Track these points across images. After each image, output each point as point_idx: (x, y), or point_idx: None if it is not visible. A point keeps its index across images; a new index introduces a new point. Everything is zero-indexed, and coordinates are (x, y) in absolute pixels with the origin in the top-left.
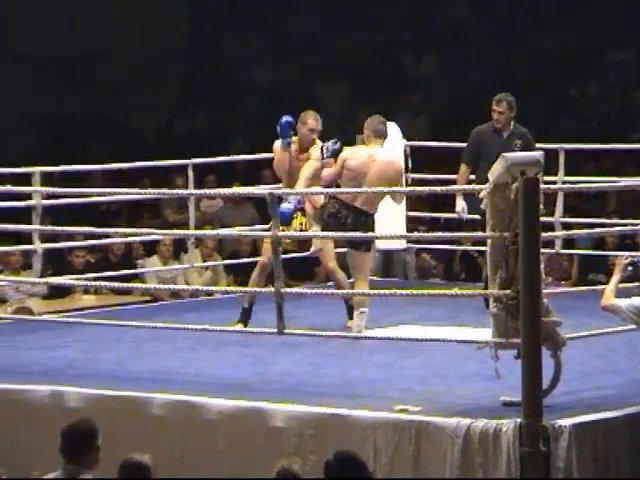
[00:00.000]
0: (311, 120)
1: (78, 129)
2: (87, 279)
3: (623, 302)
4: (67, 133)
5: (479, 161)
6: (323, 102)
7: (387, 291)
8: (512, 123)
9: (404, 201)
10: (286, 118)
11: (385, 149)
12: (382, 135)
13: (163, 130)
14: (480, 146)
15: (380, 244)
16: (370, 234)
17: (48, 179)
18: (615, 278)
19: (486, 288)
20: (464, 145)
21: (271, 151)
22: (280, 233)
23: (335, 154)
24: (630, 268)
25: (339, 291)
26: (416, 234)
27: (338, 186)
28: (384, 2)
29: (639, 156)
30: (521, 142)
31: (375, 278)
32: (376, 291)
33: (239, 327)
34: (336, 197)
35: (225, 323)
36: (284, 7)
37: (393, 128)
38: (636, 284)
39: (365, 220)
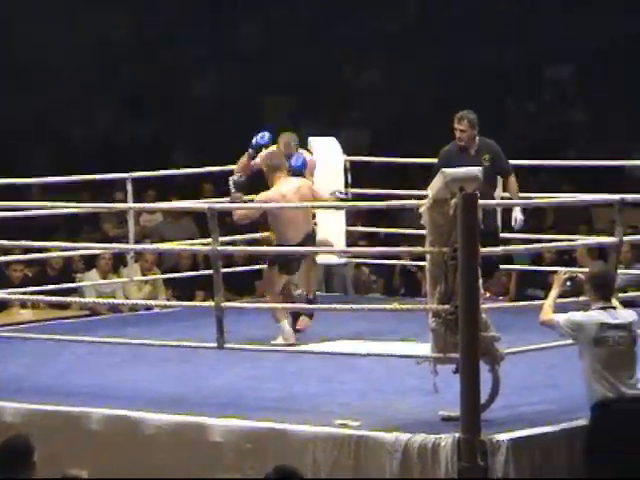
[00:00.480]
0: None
1: (16, 140)
2: (24, 293)
3: (561, 317)
4: (5, 144)
5: None
6: (265, 114)
7: (327, 306)
8: (477, 138)
9: (343, 216)
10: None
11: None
12: (282, 168)
13: (103, 142)
14: (448, 166)
15: (320, 258)
16: (311, 248)
17: None
18: (554, 293)
19: None
20: (404, 160)
21: (212, 165)
22: (219, 248)
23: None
24: (569, 283)
25: (279, 305)
26: (355, 249)
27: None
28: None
29: (576, 173)
30: (490, 155)
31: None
32: (317, 306)
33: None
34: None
35: (165, 337)
36: (227, 18)
37: (333, 143)
38: (574, 299)
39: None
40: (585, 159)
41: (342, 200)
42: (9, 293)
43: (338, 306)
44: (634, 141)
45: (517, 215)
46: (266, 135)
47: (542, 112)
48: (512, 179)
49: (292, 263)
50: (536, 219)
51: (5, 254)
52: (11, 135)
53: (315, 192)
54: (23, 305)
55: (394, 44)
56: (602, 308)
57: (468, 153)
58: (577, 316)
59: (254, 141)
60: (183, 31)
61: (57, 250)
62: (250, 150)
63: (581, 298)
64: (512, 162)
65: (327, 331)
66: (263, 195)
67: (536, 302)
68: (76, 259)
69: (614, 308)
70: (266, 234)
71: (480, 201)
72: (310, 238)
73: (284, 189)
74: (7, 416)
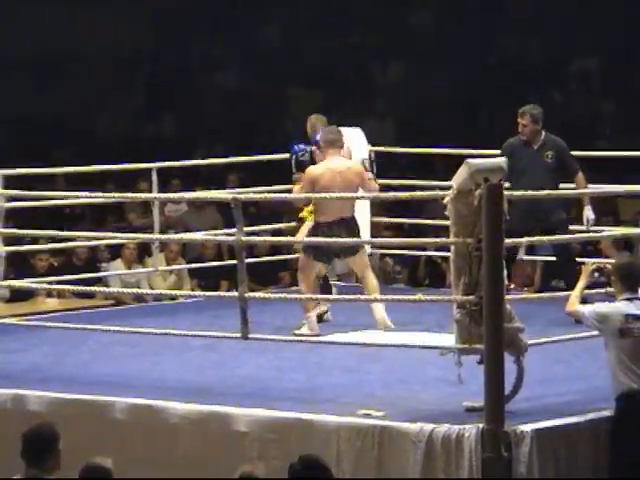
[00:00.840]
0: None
1: (43, 132)
2: (50, 282)
3: (586, 308)
4: (32, 136)
5: (511, 175)
6: (291, 107)
7: (351, 296)
8: (543, 133)
9: (368, 206)
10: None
11: (340, 157)
12: (336, 145)
13: (128, 134)
14: (511, 160)
15: None
16: (334, 239)
17: (11, 181)
18: (581, 284)
19: None
20: (429, 150)
21: (237, 155)
22: (244, 238)
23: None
24: (596, 274)
25: (302, 296)
26: (380, 239)
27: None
28: (351, 8)
29: (603, 163)
30: (553, 152)
31: (340, 283)
32: (341, 296)
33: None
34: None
35: (189, 327)
36: (251, 12)
37: (358, 133)
38: (602, 290)
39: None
40: (612, 150)
41: (371, 164)
42: (35, 282)
43: (362, 297)
44: None
45: (588, 214)
46: (305, 150)
47: (568, 102)
48: (579, 177)
49: (321, 249)
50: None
51: (31, 243)
52: (36, 128)
53: (364, 180)
54: (48, 294)
55: (419, 38)
56: (628, 299)
57: (531, 147)
58: (603, 307)
59: (295, 158)
60: (208, 23)
61: (82, 240)
62: (295, 173)
63: (609, 289)
64: None
65: (351, 321)
66: (312, 168)
67: (561, 293)
68: (101, 249)
69: None
70: (292, 224)
71: (505, 192)
72: (343, 223)
73: (332, 165)
74: (32, 405)
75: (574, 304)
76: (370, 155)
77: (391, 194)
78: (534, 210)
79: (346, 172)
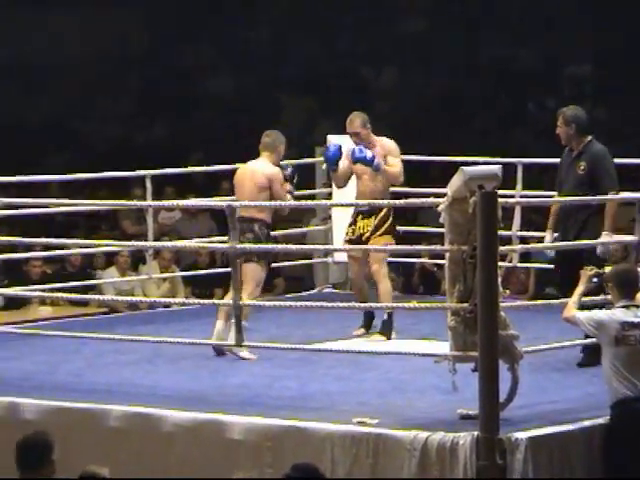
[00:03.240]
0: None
1: (34, 139)
2: (44, 290)
3: (583, 315)
4: (22, 143)
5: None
6: (284, 113)
7: (345, 304)
8: (584, 140)
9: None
10: (335, 147)
11: (258, 159)
12: (263, 148)
13: (120, 141)
14: (559, 167)
15: (338, 256)
16: (334, 246)
17: (3, 189)
18: (579, 290)
19: None
20: (423, 158)
21: (230, 163)
22: (238, 245)
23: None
24: (595, 280)
25: (297, 303)
26: (375, 246)
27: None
28: (342, 13)
29: None
30: (585, 164)
31: (334, 290)
32: (335, 304)
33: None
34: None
35: (183, 335)
36: (242, 17)
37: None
38: (601, 297)
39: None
40: None
41: (292, 176)
42: (28, 290)
43: (357, 304)
44: None
45: (602, 244)
46: (338, 147)
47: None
48: (610, 197)
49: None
50: None
51: (25, 251)
52: (28, 135)
53: (274, 184)
54: (42, 302)
55: (412, 43)
56: (625, 306)
57: (571, 155)
58: (599, 314)
59: (330, 157)
60: (198, 30)
61: (76, 247)
62: (331, 168)
63: (609, 296)
64: (533, 160)
65: (345, 329)
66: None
67: (555, 301)
68: (95, 256)
69: (637, 307)
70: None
71: (500, 200)
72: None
73: (247, 165)
74: (26, 413)
75: (570, 310)
76: (291, 167)
77: (385, 201)
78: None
79: (255, 173)
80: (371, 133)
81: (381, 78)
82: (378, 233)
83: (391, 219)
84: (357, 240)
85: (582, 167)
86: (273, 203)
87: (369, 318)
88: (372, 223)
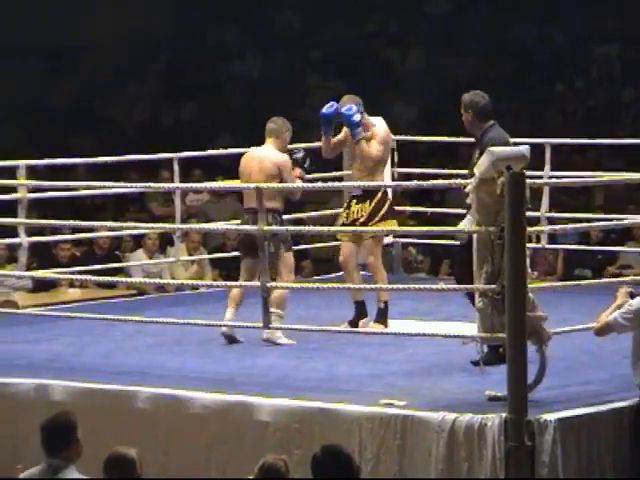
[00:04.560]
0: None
1: (62, 121)
2: (72, 272)
3: (614, 314)
4: (50, 125)
5: None
6: (311, 96)
7: (373, 285)
8: (483, 127)
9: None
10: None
11: (264, 146)
12: (268, 134)
13: (148, 123)
14: None
15: None
16: (359, 228)
17: (32, 172)
18: (614, 306)
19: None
20: (450, 140)
21: (257, 145)
22: (265, 227)
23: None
24: (629, 298)
25: (323, 285)
26: (402, 228)
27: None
28: None
29: (625, 151)
30: (479, 153)
31: (363, 272)
32: (361, 285)
33: (378, 327)
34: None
35: (211, 317)
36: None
37: (380, 122)
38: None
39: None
40: (634, 137)
41: (303, 160)
42: (57, 272)
43: (384, 286)
44: None
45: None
46: (335, 107)
47: (590, 90)
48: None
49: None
50: (584, 198)
51: (53, 233)
52: (57, 117)
53: (283, 173)
54: (71, 284)
55: (440, 25)
56: None
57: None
58: (633, 304)
59: (324, 114)
60: (228, 12)
61: (104, 230)
62: (323, 129)
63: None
64: (562, 141)
65: (371, 312)
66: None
67: (583, 282)
68: (123, 239)
69: None
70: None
71: (528, 180)
72: (250, 212)
73: (253, 151)
74: (55, 395)
75: (601, 321)
76: (302, 151)
77: (413, 182)
78: None
79: (264, 161)
80: (366, 116)
81: (408, 60)
82: (376, 219)
83: (388, 203)
84: (351, 225)
85: (476, 155)
86: (285, 186)
87: (361, 313)
88: (366, 208)
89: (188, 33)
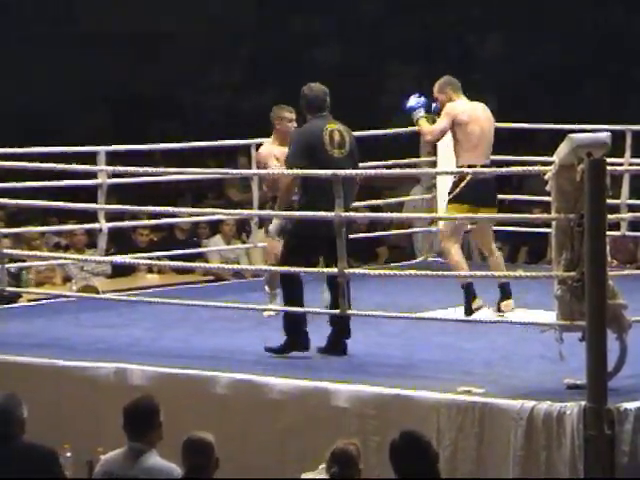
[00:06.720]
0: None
1: (144, 108)
2: (150, 258)
3: None
4: (133, 112)
5: None
6: (390, 81)
7: (449, 272)
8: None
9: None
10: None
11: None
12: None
13: (228, 109)
14: None
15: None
16: (436, 215)
17: (113, 157)
18: None
19: None
20: (530, 126)
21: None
22: (343, 214)
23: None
24: None
25: (401, 272)
26: (479, 215)
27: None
28: None
29: None
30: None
31: (439, 259)
32: (436, 272)
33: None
34: None
35: None
36: None
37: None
38: None
39: None
40: None
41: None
42: (136, 258)
43: (462, 273)
44: None
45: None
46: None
47: None
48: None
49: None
50: None
51: (132, 219)
52: (137, 104)
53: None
54: (149, 270)
55: (519, 9)
56: None
57: None
58: None
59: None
60: (307, 1)
61: (183, 216)
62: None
63: None
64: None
65: (450, 298)
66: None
67: None
68: (201, 225)
69: None
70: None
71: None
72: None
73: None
74: (134, 379)
75: None
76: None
77: (492, 169)
78: None
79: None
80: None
81: (486, 45)
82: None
83: (461, 186)
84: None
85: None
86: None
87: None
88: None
89: (270, 20)
